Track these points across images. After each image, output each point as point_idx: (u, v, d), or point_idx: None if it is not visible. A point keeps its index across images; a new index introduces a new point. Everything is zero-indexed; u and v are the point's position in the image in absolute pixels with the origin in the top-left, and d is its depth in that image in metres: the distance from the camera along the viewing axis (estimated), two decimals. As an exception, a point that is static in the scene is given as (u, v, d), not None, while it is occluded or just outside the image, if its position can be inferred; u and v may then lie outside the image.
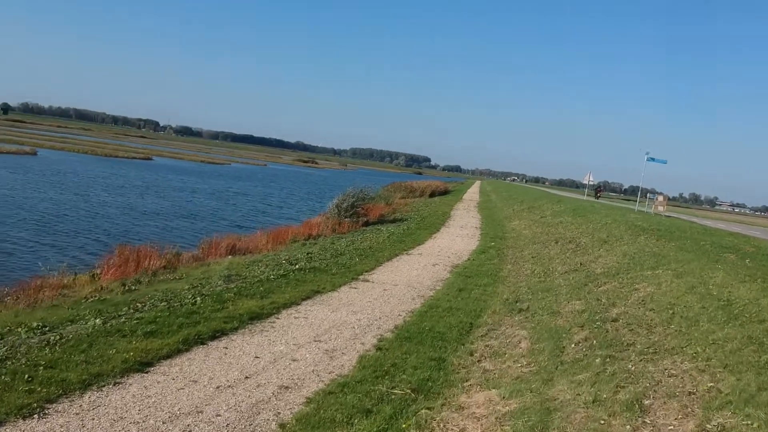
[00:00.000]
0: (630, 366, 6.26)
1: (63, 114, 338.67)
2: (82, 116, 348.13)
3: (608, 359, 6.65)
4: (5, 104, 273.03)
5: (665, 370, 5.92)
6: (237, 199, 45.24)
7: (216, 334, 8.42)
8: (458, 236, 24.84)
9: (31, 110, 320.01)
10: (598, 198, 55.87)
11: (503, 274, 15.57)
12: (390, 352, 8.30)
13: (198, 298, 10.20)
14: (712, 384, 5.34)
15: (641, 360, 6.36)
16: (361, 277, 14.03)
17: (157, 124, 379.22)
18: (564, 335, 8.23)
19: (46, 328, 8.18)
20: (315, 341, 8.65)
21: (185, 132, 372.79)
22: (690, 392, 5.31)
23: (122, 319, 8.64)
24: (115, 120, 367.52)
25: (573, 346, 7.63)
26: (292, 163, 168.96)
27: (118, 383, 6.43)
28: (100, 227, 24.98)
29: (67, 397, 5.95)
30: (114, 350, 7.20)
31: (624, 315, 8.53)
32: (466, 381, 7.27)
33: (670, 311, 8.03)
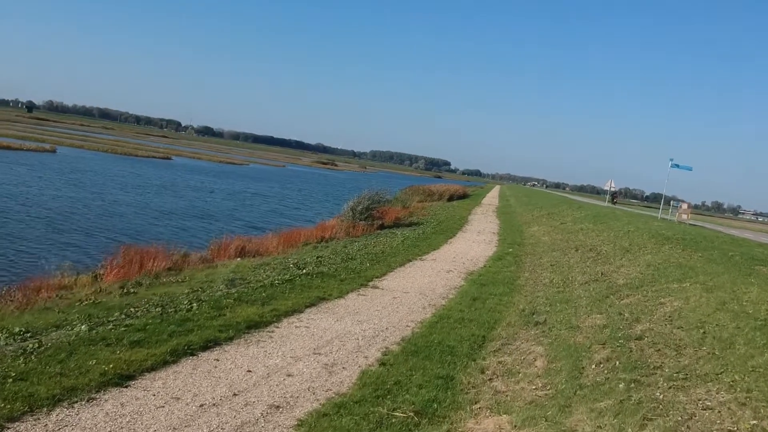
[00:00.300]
0: (658, 394, 5.58)
1: (86, 113, 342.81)
2: (105, 115, 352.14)
3: (633, 384, 5.98)
4: (30, 102, 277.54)
5: (699, 400, 5.25)
6: (254, 200, 44.91)
7: (208, 345, 7.85)
8: (475, 242, 24.15)
9: (55, 108, 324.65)
10: (614, 204, 55.06)
11: (520, 283, 14.90)
12: (394, 367, 7.69)
13: (194, 304, 9.65)
14: (755, 422, 4.66)
15: (670, 387, 5.68)
16: (370, 283, 13.43)
17: (178, 124, 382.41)
18: (584, 354, 7.55)
19: (28, 334, 7.69)
20: (314, 354, 8.06)
21: (206, 132, 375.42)
22: (730, 430, 4.64)
23: (110, 326, 8.11)
24: (138, 119, 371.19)
25: (593, 366, 6.96)
26: (311, 164, 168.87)
27: (93, 399, 5.87)
28: (115, 226, 24.76)
29: (32, 415, 5.41)
30: (94, 361, 6.66)
31: (649, 332, 7.83)
32: (476, 403, 6.64)
33: (701, 330, 7.33)
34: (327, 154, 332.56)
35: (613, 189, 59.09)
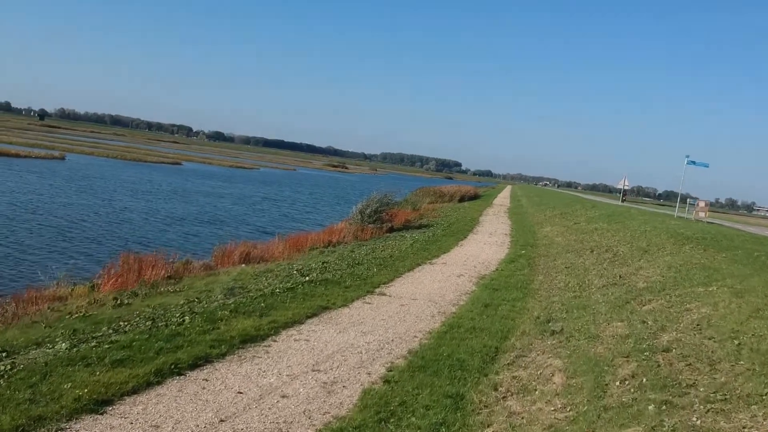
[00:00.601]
0: (695, 419, 4.93)
1: (98, 120, 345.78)
2: (117, 122, 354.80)
3: (665, 407, 5.32)
4: (42, 110, 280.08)
5: (744, 428, 4.59)
6: (264, 204, 44.43)
7: (198, 362, 7.24)
8: (486, 243, 23.48)
9: (67, 116, 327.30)
10: (623, 202, 54.42)
11: (534, 287, 14.23)
12: (399, 385, 7.07)
13: (187, 317, 9.05)
14: (815, 457, 4.02)
15: (708, 411, 5.03)
16: (377, 290, 12.81)
17: (190, 129, 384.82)
18: (606, 368, 6.89)
19: (4, 354, 7.14)
20: (313, 371, 7.45)
21: (217, 137, 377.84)
22: (785, 468, 4.00)
23: (93, 343, 7.54)
24: (149, 126, 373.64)
25: (618, 384, 6.29)
26: (322, 167, 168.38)
27: (61, 430, 5.29)
28: (124, 233, 24.42)
29: (-10, 450, 4.87)
30: (69, 384, 6.08)
31: (677, 343, 7.16)
32: (488, 426, 6.01)
33: (735, 341, 6.66)
34: (338, 157, 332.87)
35: (627, 187, 58.40)
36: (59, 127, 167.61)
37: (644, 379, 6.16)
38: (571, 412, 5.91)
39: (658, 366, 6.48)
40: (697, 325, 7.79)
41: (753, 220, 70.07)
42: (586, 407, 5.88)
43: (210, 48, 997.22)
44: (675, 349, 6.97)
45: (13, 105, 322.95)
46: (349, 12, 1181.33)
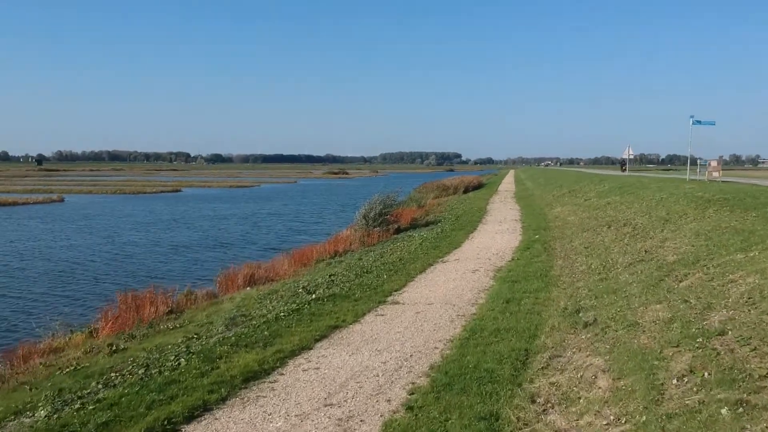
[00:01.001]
0: (784, 423, 4.07)
1: (96, 157, 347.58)
2: (115, 157, 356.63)
3: (741, 409, 4.45)
4: (40, 155, 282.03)
5: None
6: (268, 221, 43.62)
7: (195, 413, 6.37)
8: (498, 232, 22.62)
9: (65, 158, 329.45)
10: (624, 172, 53.63)
11: (555, 273, 13.36)
12: (424, 411, 6.20)
13: (182, 359, 8.20)
14: None
15: (798, 409, 4.16)
16: (389, 298, 11.96)
17: (188, 155, 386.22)
18: (656, 363, 6.00)
19: (-24, 432, 6.35)
20: (326, 405, 6.58)
21: (216, 159, 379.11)
22: None
23: (77, 405, 6.71)
24: (147, 157, 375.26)
25: (675, 382, 5.41)
26: (322, 176, 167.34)
27: None
28: (126, 268, 23.85)
29: None
30: (45, 463, 5.29)
31: (732, 323, 6.28)
32: (532, 450, 5.16)
33: (800, 314, 5.79)
34: (338, 164, 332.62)
35: (631, 156, 57.75)
36: (57, 170, 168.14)
37: (706, 374, 5.28)
38: (627, 425, 5.02)
39: (718, 354, 5.60)
40: (749, 298, 6.91)
41: (761, 173, 68.89)
42: (644, 417, 4.99)
43: (203, 69, 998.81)
44: (731, 330, 6.08)
45: (10, 154, 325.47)
46: (347, 17, 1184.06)
